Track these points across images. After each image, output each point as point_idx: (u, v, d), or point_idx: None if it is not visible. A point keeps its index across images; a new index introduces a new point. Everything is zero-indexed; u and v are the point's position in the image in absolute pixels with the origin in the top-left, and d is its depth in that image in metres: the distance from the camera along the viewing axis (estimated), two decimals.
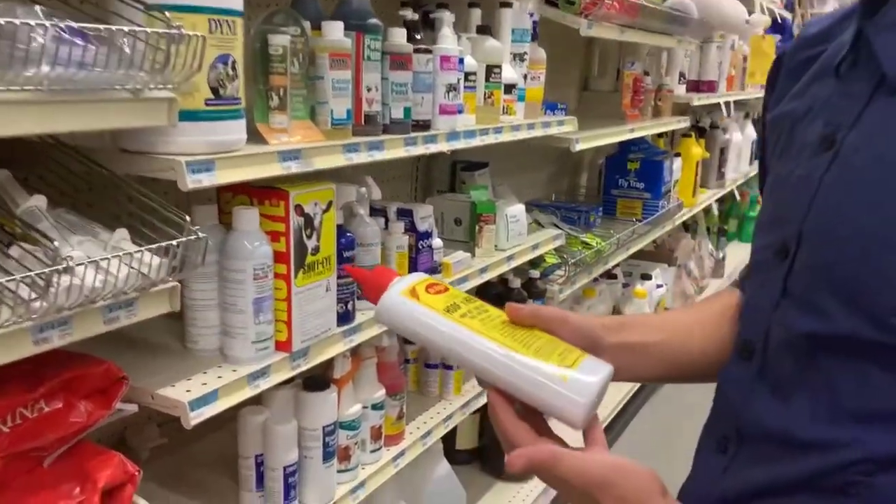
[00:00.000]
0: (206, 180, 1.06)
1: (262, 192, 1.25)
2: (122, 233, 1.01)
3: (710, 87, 3.73)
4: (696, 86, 3.71)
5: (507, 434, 0.70)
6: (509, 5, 1.88)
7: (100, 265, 0.91)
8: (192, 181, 1.03)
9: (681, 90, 3.46)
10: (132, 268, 0.96)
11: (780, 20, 4.90)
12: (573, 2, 2.20)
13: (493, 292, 2.26)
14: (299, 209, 1.25)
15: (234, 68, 1.08)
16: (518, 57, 1.94)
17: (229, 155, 1.10)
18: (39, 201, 0.98)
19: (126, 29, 0.89)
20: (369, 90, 1.39)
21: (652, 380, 0.94)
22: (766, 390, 0.72)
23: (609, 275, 3.37)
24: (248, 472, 1.39)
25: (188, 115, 1.03)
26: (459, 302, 0.77)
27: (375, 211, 1.64)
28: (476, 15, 1.84)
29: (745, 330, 0.78)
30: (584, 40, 3.08)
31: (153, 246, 0.97)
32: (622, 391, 3.24)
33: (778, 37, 5.12)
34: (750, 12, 4.43)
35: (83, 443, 1.08)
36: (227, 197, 1.28)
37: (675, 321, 0.96)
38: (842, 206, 0.65)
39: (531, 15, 2.07)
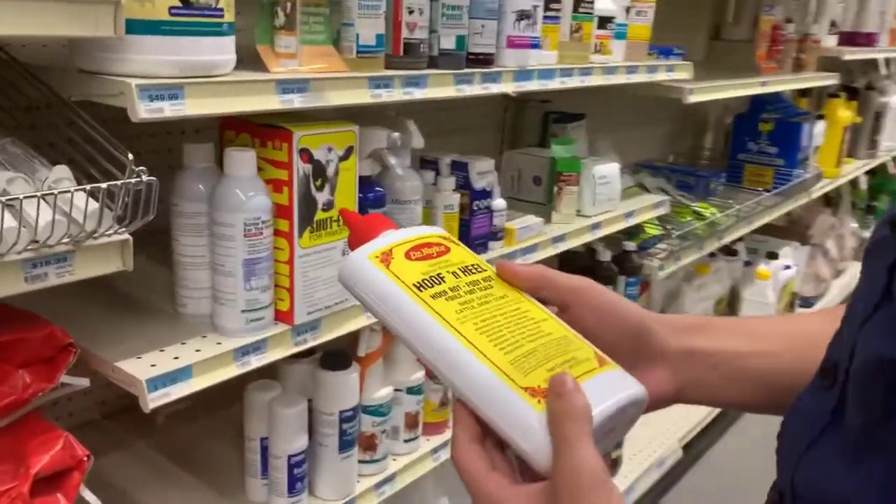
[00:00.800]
0: (170, 110, 0.85)
1: (265, 130, 1.03)
2: (62, 170, 0.82)
3: (869, 39, 3.19)
4: (850, 38, 3.19)
5: (455, 461, 0.49)
6: None
7: (7, 206, 0.72)
8: (146, 110, 0.82)
9: (831, 42, 2.96)
10: (63, 215, 0.77)
11: None
12: None
13: (578, 265, 1.97)
14: (306, 154, 1.03)
15: None
16: None
17: (206, 80, 0.89)
18: None
19: None
20: (411, 12, 1.14)
21: (746, 407, 0.65)
22: (838, 438, 0.47)
23: (729, 250, 2.98)
24: (253, 455, 1.21)
25: (146, 27, 0.82)
26: (447, 273, 0.55)
27: (427, 163, 1.40)
28: None
29: (835, 345, 0.52)
30: None
31: (80, 187, 0.77)
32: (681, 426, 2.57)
33: None
34: None
35: (30, 418, 0.92)
36: (230, 136, 1.08)
37: (792, 328, 0.67)
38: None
39: None
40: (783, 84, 2.51)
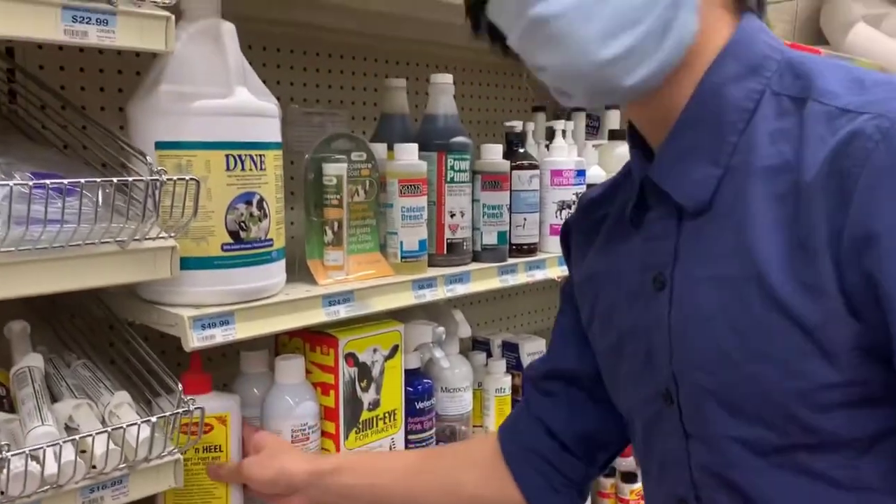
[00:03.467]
0: (221, 336, 0.92)
1: (314, 337, 1.10)
2: (123, 396, 0.89)
3: None
4: None
5: None
6: None
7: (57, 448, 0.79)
8: (199, 338, 0.90)
9: None
10: (115, 445, 0.84)
11: None
12: None
13: None
14: (352, 358, 1.08)
15: (260, 207, 0.95)
16: None
17: (256, 304, 0.96)
18: (34, 360, 0.89)
19: (90, 181, 0.78)
20: (453, 216, 1.21)
21: None
22: None
23: None
24: None
25: (200, 263, 0.91)
26: None
27: (478, 344, 1.44)
28: (614, 117, 1.62)
29: (674, 488, 0.73)
30: None
31: (133, 422, 0.83)
32: None
33: None
34: None
35: None
36: (284, 339, 1.15)
37: (407, 462, 0.99)
38: (699, 336, 0.65)
39: None
40: None
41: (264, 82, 0.99)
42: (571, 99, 0.70)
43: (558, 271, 1.37)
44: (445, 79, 1.23)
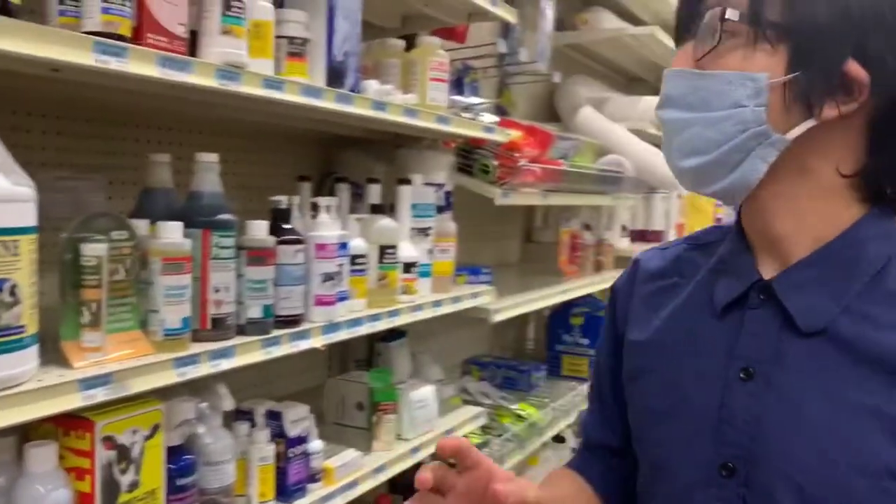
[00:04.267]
0: None
1: (68, 421, 1.07)
2: None
3: (657, 236, 3.65)
4: (642, 235, 3.64)
5: None
6: (407, 182, 1.77)
7: None
8: None
9: (624, 243, 3.37)
10: None
11: None
12: (487, 170, 2.12)
13: (408, 483, 2.04)
14: (109, 441, 1.07)
15: (13, 294, 0.92)
16: (421, 232, 1.82)
17: (6, 393, 0.93)
18: None
19: None
20: (217, 291, 1.24)
21: None
22: None
23: (556, 437, 3.16)
24: None
25: None
26: None
27: (241, 414, 1.46)
28: (375, 192, 1.73)
29: None
30: None
31: None
32: None
33: None
34: None
35: None
36: (35, 425, 1.10)
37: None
38: (790, 431, 0.74)
39: (441, 186, 1.97)
40: (583, 288, 2.80)
41: (14, 147, 0.96)
42: None
43: (322, 340, 1.45)
44: (211, 157, 1.27)
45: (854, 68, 0.72)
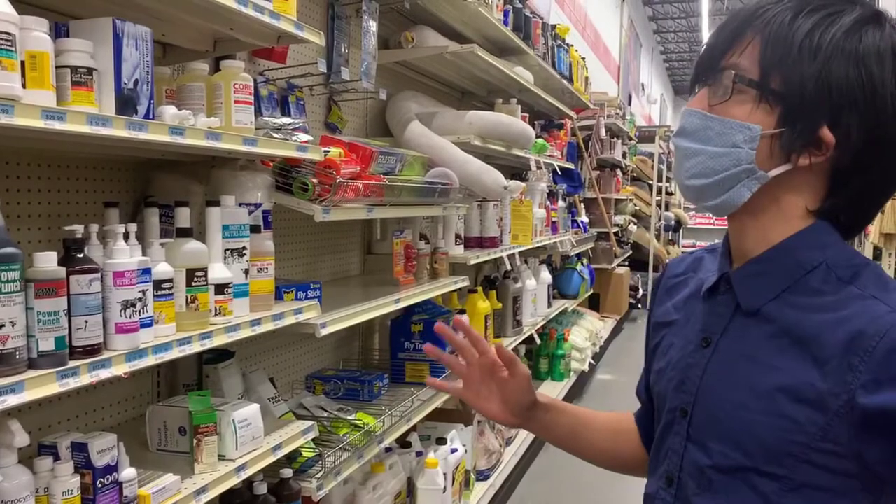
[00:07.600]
0: None
1: None
2: None
3: (493, 242, 3.83)
4: (478, 242, 3.80)
5: None
6: (216, 203, 1.79)
7: None
8: None
9: (459, 250, 3.50)
10: None
11: (559, 172, 5.22)
12: (307, 188, 2.17)
13: (244, 499, 2.05)
14: None
15: None
16: (235, 252, 1.84)
17: None
18: None
19: None
20: (2, 326, 1.23)
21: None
22: None
23: (403, 443, 3.24)
24: None
25: None
26: None
27: (45, 448, 1.43)
28: (183, 216, 1.74)
29: (667, 466, 1.07)
30: None
31: None
32: None
33: (563, 186, 5.44)
34: (525, 170, 4.70)
35: None
36: None
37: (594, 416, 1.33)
38: (721, 384, 1.01)
39: (258, 205, 2.00)
40: (418, 296, 2.90)
41: None
42: None
43: (126, 368, 1.45)
44: None
45: (825, 133, 0.94)
